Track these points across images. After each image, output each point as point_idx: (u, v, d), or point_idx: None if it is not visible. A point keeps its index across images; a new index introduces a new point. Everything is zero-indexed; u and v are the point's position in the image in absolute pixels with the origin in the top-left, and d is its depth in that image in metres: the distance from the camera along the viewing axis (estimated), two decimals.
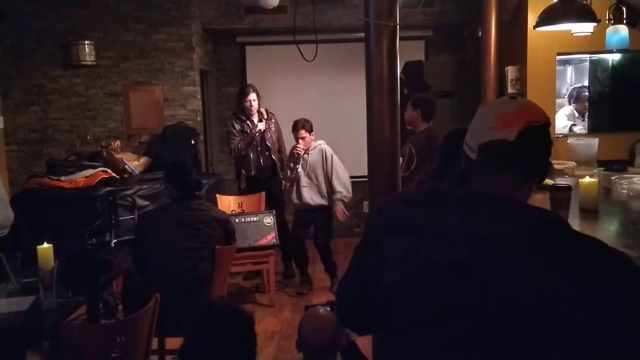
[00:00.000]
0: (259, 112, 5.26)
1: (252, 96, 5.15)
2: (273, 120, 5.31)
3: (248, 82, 5.26)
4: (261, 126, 5.19)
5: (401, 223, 1.17)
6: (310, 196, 4.99)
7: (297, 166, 4.95)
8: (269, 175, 5.31)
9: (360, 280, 1.25)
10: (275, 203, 5.33)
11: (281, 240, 5.26)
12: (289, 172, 5.04)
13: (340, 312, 1.45)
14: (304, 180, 4.99)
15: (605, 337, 0.92)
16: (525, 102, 1.20)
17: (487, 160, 1.14)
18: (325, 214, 5.09)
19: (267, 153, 5.28)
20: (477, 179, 1.17)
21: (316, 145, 5.02)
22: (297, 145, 4.91)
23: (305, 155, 4.97)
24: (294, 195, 5.06)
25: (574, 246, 1.02)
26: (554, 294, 0.94)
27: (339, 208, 4.99)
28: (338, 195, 4.97)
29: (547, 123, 1.15)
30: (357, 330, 1.60)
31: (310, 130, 4.92)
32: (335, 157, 5.01)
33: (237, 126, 5.23)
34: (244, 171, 5.32)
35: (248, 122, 5.22)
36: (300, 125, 4.87)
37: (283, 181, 5.27)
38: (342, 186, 4.96)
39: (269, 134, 5.26)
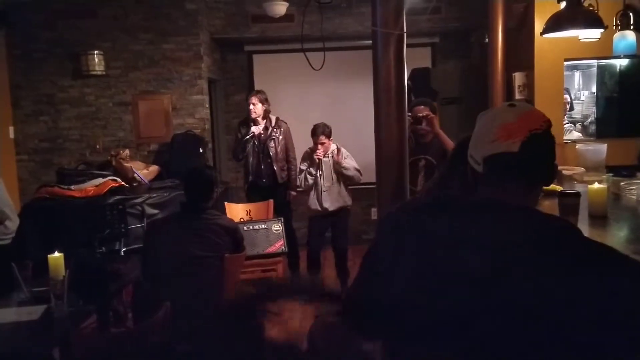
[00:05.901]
0: (268, 118, 5.28)
1: (252, 100, 5.19)
2: (282, 129, 5.30)
3: (257, 88, 5.27)
4: (254, 130, 5.19)
5: (410, 231, 1.18)
6: (332, 200, 4.95)
7: (319, 172, 4.93)
8: (269, 183, 5.30)
9: (369, 287, 1.25)
10: (281, 210, 5.34)
11: (288, 247, 5.25)
12: (309, 178, 4.97)
13: (349, 317, 1.45)
14: (325, 185, 4.95)
15: (613, 341, 0.93)
16: (525, 108, 1.19)
17: (493, 173, 1.15)
18: (344, 216, 5.07)
19: (268, 160, 5.28)
20: (485, 189, 1.18)
21: (332, 149, 5.01)
22: (317, 151, 4.88)
23: (324, 159, 4.96)
24: (314, 202, 4.99)
25: (585, 252, 1.03)
26: (565, 299, 0.95)
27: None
28: (349, 173, 4.88)
29: (548, 127, 1.14)
30: (365, 335, 1.60)
31: (329, 136, 4.90)
32: (344, 150, 4.97)
33: (243, 131, 5.28)
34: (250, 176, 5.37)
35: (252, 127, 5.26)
36: (320, 131, 4.85)
37: (290, 191, 5.26)
38: (353, 168, 4.88)
39: (274, 142, 5.26)
